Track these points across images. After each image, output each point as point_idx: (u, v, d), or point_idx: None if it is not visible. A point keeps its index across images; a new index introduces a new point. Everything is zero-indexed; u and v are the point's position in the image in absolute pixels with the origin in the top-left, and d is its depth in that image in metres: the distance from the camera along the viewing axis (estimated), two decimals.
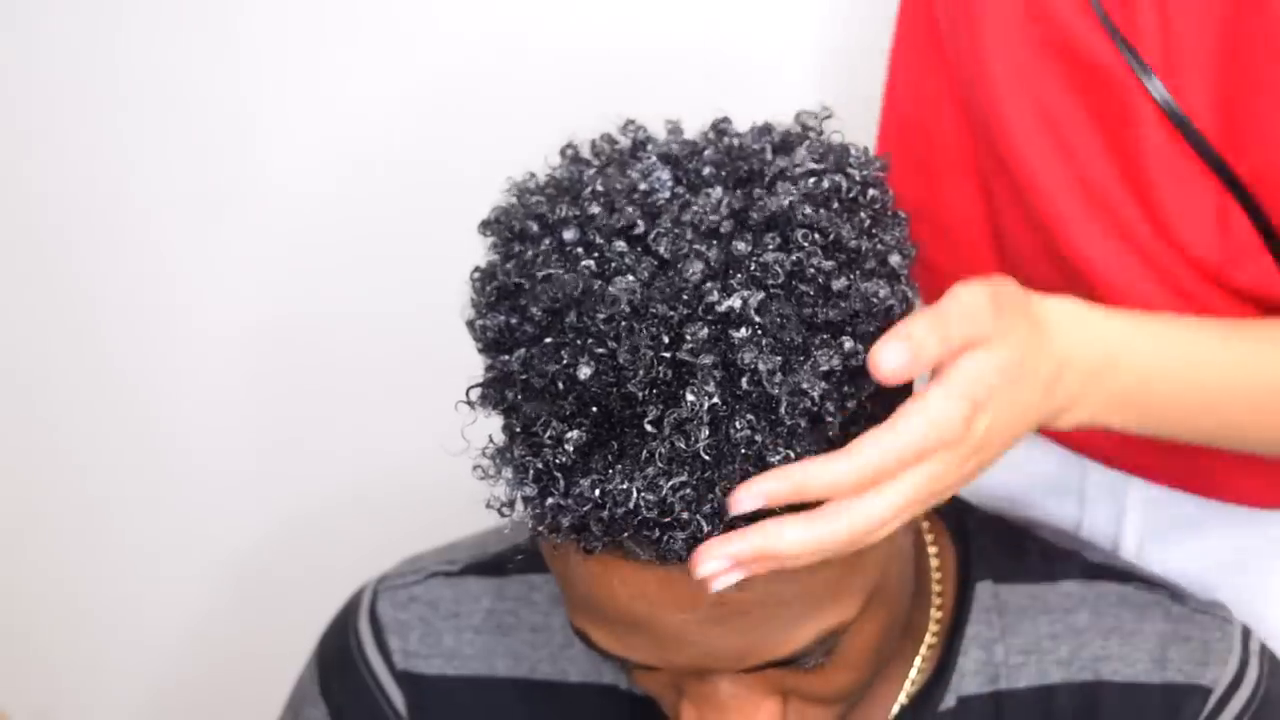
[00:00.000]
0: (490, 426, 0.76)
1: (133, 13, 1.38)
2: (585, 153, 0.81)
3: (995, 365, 0.72)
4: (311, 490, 1.52)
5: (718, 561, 0.68)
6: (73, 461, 1.55)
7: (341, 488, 1.51)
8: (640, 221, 0.74)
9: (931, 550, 0.93)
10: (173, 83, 1.40)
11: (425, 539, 1.03)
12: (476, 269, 0.78)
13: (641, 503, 0.69)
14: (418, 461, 1.38)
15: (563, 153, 0.81)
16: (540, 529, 0.72)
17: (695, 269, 0.72)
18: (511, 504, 0.73)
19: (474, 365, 0.79)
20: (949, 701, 0.92)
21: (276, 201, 1.43)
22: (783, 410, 0.69)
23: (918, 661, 0.92)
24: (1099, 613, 0.93)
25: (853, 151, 0.78)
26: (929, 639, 0.92)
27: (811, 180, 0.75)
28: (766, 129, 0.79)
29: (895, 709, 0.92)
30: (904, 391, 0.80)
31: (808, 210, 0.73)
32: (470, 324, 0.77)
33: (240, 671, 1.52)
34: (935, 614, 0.93)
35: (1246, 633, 0.93)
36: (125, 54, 1.40)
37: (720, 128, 0.80)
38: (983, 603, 0.93)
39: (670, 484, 0.69)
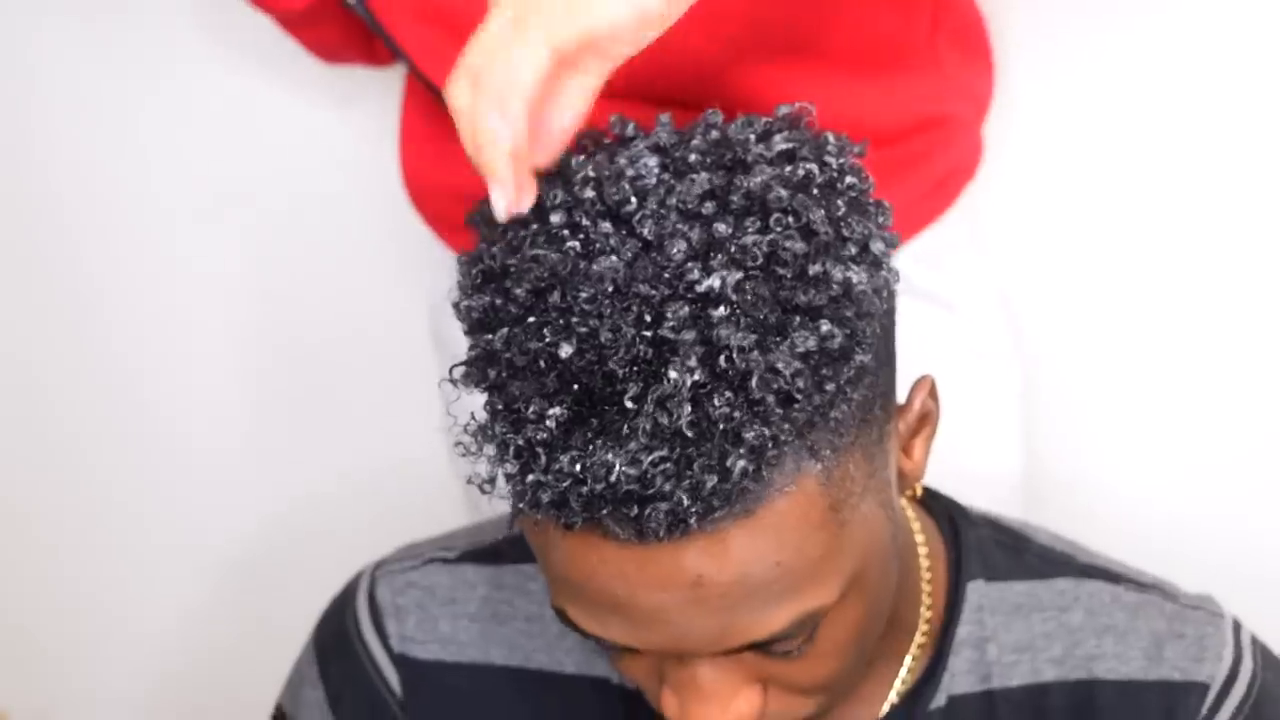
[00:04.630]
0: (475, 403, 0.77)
1: (131, 16, 1.39)
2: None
3: None
4: (309, 488, 1.53)
5: None
6: (71, 461, 1.56)
7: (338, 485, 1.52)
8: (632, 199, 0.75)
9: (922, 551, 0.93)
10: (173, 82, 1.42)
11: (420, 535, 1.04)
12: (464, 254, 0.79)
13: (622, 477, 0.69)
14: (412, 458, 1.40)
15: None
16: (521, 505, 0.73)
17: (679, 249, 0.73)
18: (492, 481, 0.74)
19: None
20: (939, 700, 0.92)
21: (275, 200, 1.45)
22: (757, 387, 0.70)
23: (908, 660, 0.92)
24: (1093, 612, 0.93)
25: (830, 140, 0.79)
26: (919, 638, 0.92)
27: (788, 166, 0.76)
28: (750, 121, 0.80)
29: (885, 708, 0.92)
30: (887, 379, 0.80)
31: (783, 193, 0.74)
32: (456, 306, 0.78)
33: (239, 669, 1.52)
34: (925, 614, 0.93)
35: (1238, 625, 0.94)
36: (123, 57, 1.42)
37: (709, 120, 0.81)
38: (974, 603, 0.93)
39: (651, 459, 0.69)
